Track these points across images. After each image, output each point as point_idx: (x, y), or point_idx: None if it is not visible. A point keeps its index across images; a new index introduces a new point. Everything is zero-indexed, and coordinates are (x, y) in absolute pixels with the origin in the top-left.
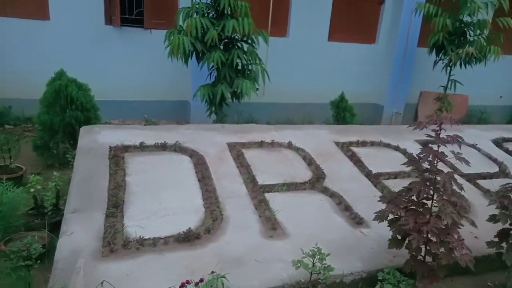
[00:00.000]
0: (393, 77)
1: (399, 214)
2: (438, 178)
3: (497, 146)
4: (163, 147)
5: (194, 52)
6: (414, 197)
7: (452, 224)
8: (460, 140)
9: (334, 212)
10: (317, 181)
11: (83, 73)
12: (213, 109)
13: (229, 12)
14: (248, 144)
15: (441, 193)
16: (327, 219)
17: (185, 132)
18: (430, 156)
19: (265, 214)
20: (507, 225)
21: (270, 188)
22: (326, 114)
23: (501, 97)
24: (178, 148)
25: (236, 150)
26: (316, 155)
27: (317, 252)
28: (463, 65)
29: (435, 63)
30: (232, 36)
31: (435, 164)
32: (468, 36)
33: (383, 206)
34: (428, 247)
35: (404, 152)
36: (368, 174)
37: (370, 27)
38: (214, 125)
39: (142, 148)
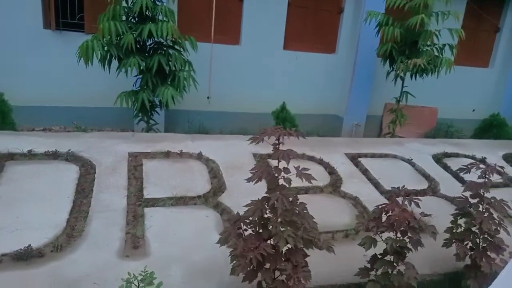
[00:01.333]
0: (353, 88)
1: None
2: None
3: (436, 161)
4: (54, 156)
5: (117, 58)
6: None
7: (293, 249)
8: (290, 155)
9: (215, 230)
10: (212, 195)
11: (13, 78)
12: (141, 116)
13: (150, 16)
14: (152, 154)
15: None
16: (203, 237)
17: (88, 140)
18: (271, 173)
19: (134, 231)
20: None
21: (155, 202)
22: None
23: (473, 110)
24: (70, 157)
25: (136, 161)
26: (226, 167)
27: (147, 277)
28: (415, 77)
29: (388, 74)
30: (160, 41)
31: (277, 180)
32: (420, 46)
33: None
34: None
35: (326, 165)
36: None
37: (329, 36)
38: (124, 133)
39: (30, 156)
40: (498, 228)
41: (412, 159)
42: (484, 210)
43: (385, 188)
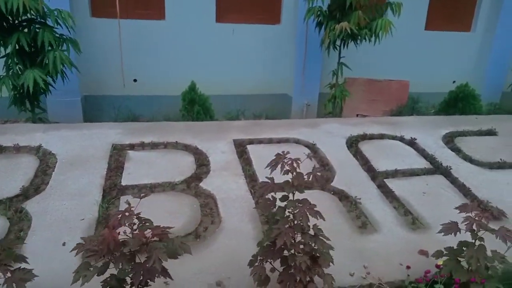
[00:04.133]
0: (301, 63)
1: None
2: None
3: (348, 146)
4: None
5: None
6: None
7: None
8: None
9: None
10: (23, 199)
11: None
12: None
13: None
14: None
15: None
16: None
17: None
18: None
19: None
20: None
21: None
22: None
23: (454, 82)
24: None
25: None
26: (66, 163)
27: None
28: (346, 45)
29: (321, 43)
30: (32, 18)
31: None
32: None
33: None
34: None
35: (200, 156)
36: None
37: (272, 5)
38: None
39: None
40: (311, 244)
41: (315, 144)
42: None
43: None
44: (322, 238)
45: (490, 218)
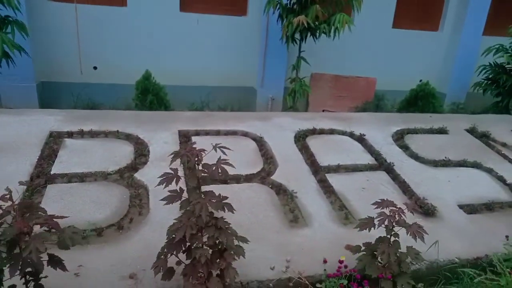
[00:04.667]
0: (266, 56)
1: None
2: None
3: (295, 140)
4: None
5: None
6: None
7: None
8: None
9: None
10: None
11: None
12: None
13: None
14: None
15: None
16: None
17: None
18: None
19: None
20: None
21: None
22: (177, 97)
23: (420, 81)
24: None
25: None
26: None
27: None
28: (304, 39)
29: (283, 36)
30: None
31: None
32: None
33: None
34: None
35: (140, 146)
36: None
37: None
38: None
39: None
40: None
41: (263, 137)
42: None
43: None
44: (229, 231)
45: (416, 213)
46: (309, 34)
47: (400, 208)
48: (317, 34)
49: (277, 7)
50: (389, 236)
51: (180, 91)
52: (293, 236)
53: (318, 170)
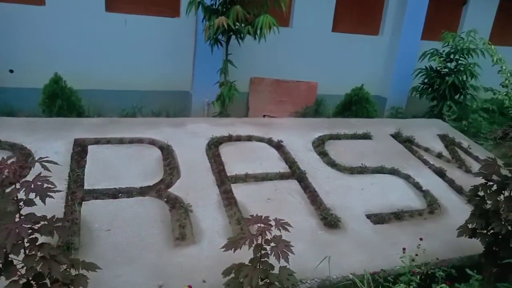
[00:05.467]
0: (198, 59)
1: None
2: None
3: (208, 147)
4: None
5: None
6: None
7: None
8: None
9: None
10: None
11: None
12: None
13: None
14: None
15: None
16: None
17: None
18: None
19: None
20: None
21: None
22: (106, 102)
23: (362, 85)
24: None
25: None
26: None
27: None
28: (226, 42)
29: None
30: None
31: None
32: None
33: None
34: None
35: (24, 156)
36: None
37: None
38: None
39: None
40: None
41: (170, 145)
42: None
43: (89, 187)
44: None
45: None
46: (234, 36)
47: (269, 224)
48: (242, 36)
49: (199, 8)
50: (258, 256)
51: (110, 96)
52: (174, 256)
53: (224, 181)
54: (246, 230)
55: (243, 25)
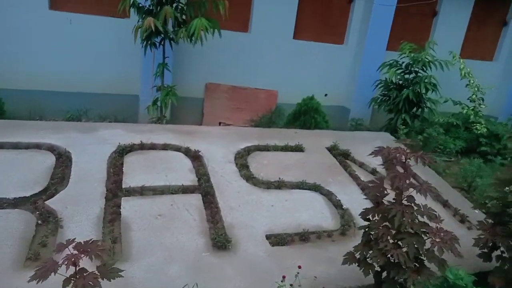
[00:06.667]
0: (146, 63)
1: None
2: None
3: (113, 157)
4: None
5: None
6: None
7: None
8: None
9: None
10: None
11: None
12: None
13: None
14: None
15: None
16: None
17: None
18: None
19: None
20: None
21: None
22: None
23: (326, 95)
24: None
25: None
26: None
27: None
28: (154, 45)
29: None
30: None
31: None
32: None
33: None
34: None
35: None
36: None
37: None
38: None
39: None
40: None
41: (70, 152)
42: None
43: None
44: None
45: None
46: (160, 38)
47: (85, 251)
48: (175, 40)
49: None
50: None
51: (50, 96)
52: (14, 280)
53: (116, 193)
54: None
55: (177, 28)
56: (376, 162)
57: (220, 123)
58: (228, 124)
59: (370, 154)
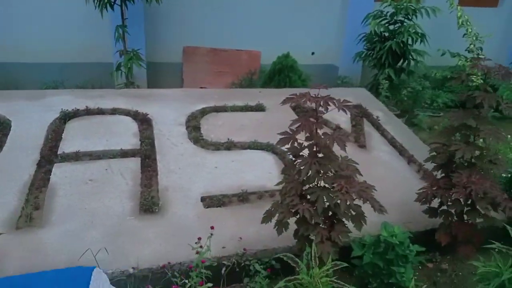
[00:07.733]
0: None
1: None
2: None
3: (54, 123)
4: None
5: None
6: None
7: None
8: None
9: None
10: None
11: None
12: None
13: None
14: None
15: None
16: None
17: None
18: None
19: None
20: None
21: None
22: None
23: (312, 53)
24: None
25: None
26: None
27: None
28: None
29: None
30: None
31: None
32: None
33: None
34: None
35: None
36: None
37: None
38: None
39: None
40: None
41: (10, 120)
42: None
43: None
44: None
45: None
46: None
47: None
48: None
49: None
50: None
51: (27, 69)
52: None
53: (51, 160)
54: None
55: None
56: (343, 120)
57: (201, 88)
58: (203, 87)
59: (281, 103)
